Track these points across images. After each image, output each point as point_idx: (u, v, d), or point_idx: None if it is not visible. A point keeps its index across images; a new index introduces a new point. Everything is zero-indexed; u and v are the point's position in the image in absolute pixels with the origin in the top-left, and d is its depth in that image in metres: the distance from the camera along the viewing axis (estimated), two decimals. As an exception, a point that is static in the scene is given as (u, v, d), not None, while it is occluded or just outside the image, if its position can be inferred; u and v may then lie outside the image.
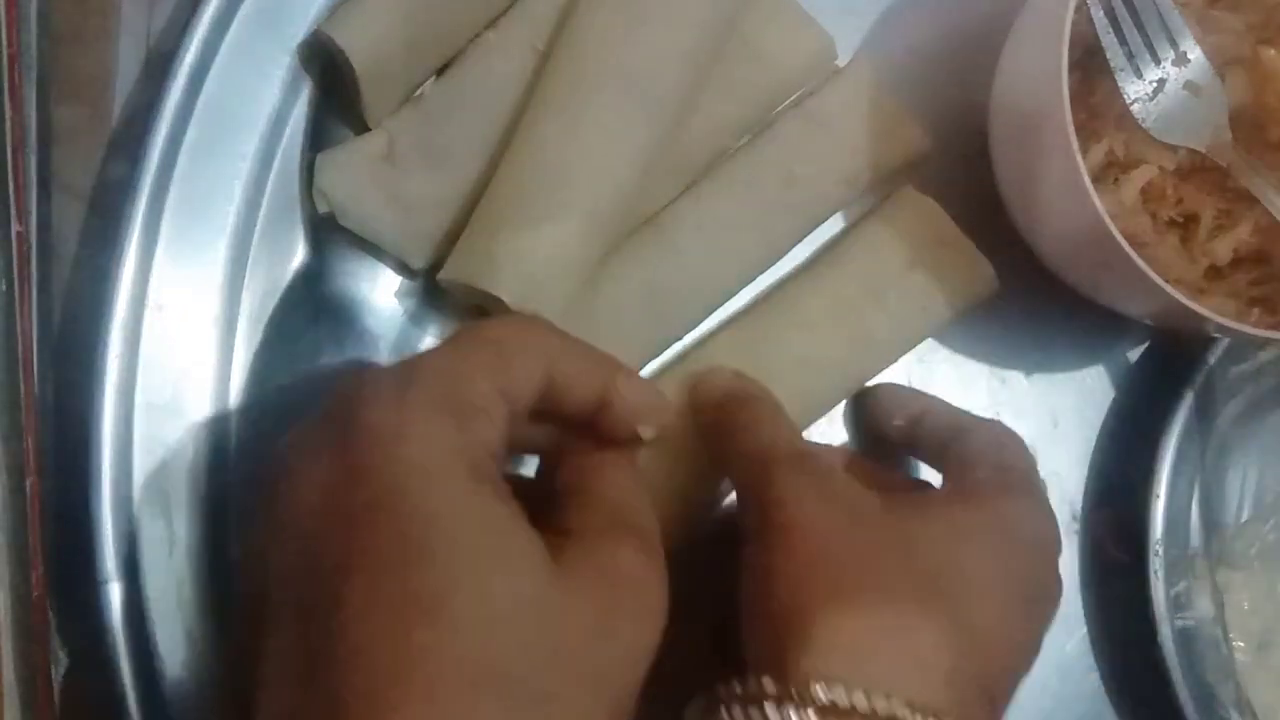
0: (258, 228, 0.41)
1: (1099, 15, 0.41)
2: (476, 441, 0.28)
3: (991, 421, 0.43)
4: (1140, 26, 0.41)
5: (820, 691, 0.28)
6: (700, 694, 0.31)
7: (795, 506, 0.33)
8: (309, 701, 0.24)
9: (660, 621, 0.29)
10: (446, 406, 0.28)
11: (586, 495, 0.32)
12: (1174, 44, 0.42)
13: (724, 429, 0.39)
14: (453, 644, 0.24)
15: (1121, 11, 0.41)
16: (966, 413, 0.43)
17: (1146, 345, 0.49)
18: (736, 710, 0.29)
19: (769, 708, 0.28)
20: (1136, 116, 0.42)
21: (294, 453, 0.28)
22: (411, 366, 0.29)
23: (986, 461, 0.38)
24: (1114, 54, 0.41)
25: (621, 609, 0.28)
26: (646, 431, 0.34)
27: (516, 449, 0.36)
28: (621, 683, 0.28)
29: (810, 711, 0.28)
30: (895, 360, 0.45)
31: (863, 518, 0.34)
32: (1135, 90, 0.42)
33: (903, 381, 0.47)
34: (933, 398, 0.44)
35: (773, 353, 0.43)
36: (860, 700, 0.28)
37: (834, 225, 0.46)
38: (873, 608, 0.31)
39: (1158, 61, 0.42)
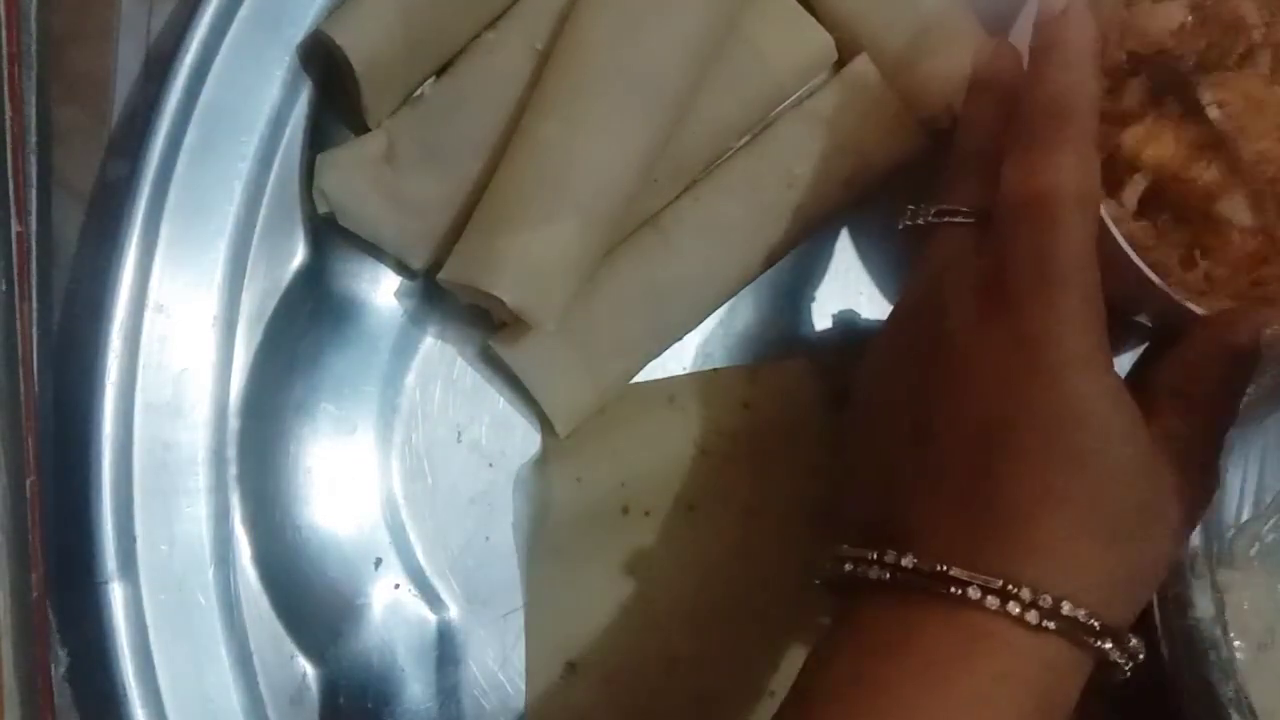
0: (258, 228, 0.41)
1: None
2: (1103, 328, 0.34)
3: None
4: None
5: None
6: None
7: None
8: (964, 504, 0.33)
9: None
10: (1089, 299, 0.33)
11: (1190, 402, 0.36)
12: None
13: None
14: (1085, 492, 0.32)
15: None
16: None
17: (1147, 345, 0.49)
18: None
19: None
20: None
21: (964, 329, 0.35)
22: (1052, 262, 0.33)
23: None
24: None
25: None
26: None
27: None
28: (1176, 542, 0.36)
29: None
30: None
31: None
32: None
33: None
34: None
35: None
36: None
37: (834, 225, 0.46)
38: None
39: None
